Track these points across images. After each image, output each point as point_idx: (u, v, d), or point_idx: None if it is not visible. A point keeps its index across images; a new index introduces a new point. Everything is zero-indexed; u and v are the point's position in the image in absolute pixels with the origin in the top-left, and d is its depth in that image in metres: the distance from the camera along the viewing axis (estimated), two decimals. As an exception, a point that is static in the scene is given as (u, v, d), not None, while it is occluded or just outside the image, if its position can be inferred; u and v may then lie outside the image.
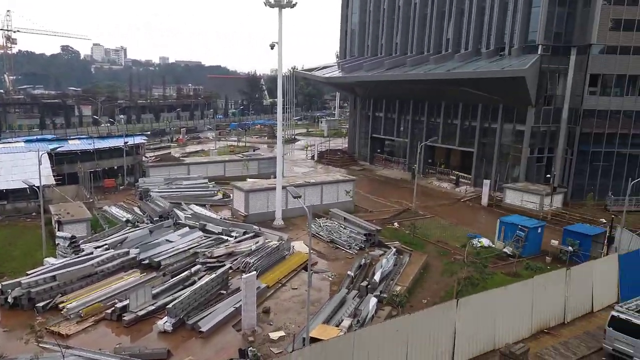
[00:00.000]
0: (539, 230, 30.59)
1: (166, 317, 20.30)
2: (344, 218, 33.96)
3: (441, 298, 23.06)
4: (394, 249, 28.75)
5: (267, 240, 29.45)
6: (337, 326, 19.91)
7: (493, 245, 30.95)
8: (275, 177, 37.01)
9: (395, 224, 36.01)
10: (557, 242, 29.96)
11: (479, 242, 31.05)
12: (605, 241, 29.51)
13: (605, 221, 34.32)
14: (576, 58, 41.49)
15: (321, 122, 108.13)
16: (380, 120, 60.83)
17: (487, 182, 43.22)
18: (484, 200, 42.50)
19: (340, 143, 76.23)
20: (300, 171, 56.44)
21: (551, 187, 40.18)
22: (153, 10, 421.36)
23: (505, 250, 30.02)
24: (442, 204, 42.97)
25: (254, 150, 69.38)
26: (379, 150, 62.81)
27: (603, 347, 19.25)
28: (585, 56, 40.78)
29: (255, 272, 23.27)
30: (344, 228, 32.53)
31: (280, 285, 24.92)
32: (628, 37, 39.85)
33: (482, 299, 18.79)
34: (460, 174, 49.50)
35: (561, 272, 21.62)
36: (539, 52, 41.15)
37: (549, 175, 42.52)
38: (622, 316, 18.54)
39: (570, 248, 28.52)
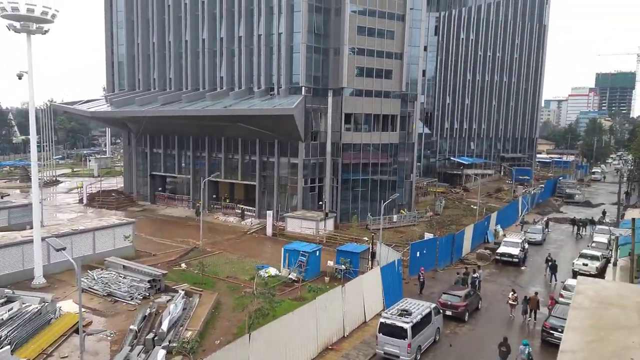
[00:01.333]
0: (317, 254, 33.43)
1: None
2: (123, 266, 30.81)
3: (234, 335, 22.77)
4: (183, 292, 27.31)
5: (24, 305, 24.39)
6: (122, 391, 17.65)
7: (280, 273, 32.34)
8: (31, 228, 31.31)
9: (183, 264, 34.46)
10: (332, 262, 33.17)
11: (267, 272, 32.01)
12: (370, 256, 34.15)
13: (367, 239, 39.72)
14: (333, 99, 47.79)
15: (90, 161, 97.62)
16: (160, 157, 58.18)
17: (270, 212, 45.48)
18: (269, 231, 44.49)
19: (115, 183, 69.79)
20: (66, 217, 49.28)
21: (323, 213, 44.76)
22: None
23: (290, 276, 31.74)
24: (229, 238, 43.18)
25: (2, 197, 57.60)
26: (160, 189, 59.72)
27: (376, 352, 21.89)
28: (339, 97, 47.30)
29: (9, 346, 19.07)
30: (124, 277, 29.45)
31: (45, 356, 20.90)
32: (369, 82, 47.98)
33: (273, 328, 19.30)
34: (245, 207, 50.80)
35: (338, 290, 23.94)
36: (303, 93, 45.94)
37: (321, 203, 47.39)
38: (388, 321, 21.44)
39: (343, 266, 31.93)
